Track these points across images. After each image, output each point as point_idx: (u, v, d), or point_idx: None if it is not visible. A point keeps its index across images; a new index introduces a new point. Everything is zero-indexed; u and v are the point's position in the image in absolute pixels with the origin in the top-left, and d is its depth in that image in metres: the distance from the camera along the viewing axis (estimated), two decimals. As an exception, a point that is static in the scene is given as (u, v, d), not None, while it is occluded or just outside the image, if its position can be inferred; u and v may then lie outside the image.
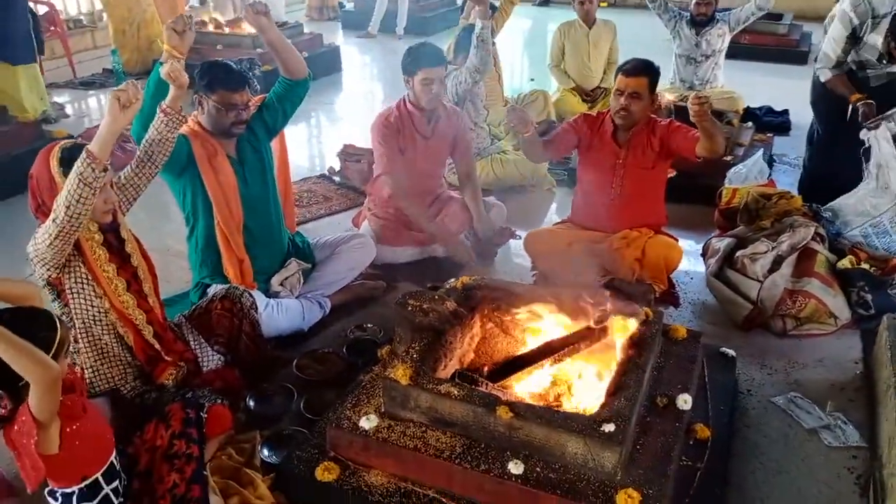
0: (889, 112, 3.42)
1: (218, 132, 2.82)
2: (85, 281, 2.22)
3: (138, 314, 2.33)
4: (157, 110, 2.39)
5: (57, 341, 1.76)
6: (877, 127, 3.41)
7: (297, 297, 3.05)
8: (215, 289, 2.79)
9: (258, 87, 5.12)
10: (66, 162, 2.12)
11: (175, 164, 2.70)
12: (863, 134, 3.49)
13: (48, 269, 2.15)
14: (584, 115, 3.37)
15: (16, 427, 1.75)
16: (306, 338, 3.00)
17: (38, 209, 2.21)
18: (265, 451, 2.33)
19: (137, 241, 2.43)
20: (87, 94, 6.72)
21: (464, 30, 4.35)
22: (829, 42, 3.69)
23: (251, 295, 2.72)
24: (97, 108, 6.47)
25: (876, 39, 3.46)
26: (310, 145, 5.74)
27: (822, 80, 3.79)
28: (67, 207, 2.03)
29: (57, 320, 1.80)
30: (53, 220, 2.06)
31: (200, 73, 2.78)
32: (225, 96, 2.74)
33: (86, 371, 2.28)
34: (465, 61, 4.08)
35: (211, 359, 2.57)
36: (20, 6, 5.23)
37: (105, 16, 7.27)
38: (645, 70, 3.05)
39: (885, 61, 3.55)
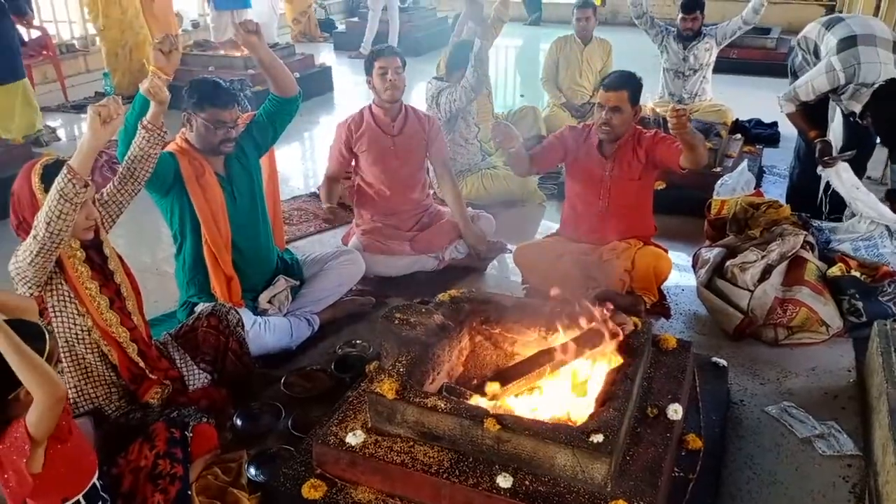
0: (845, 154, 3.47)
1: (206, 150, 2.80)
2: (67, 299, 2.20)
3: (122, 332, 2.30)
4: (139, 126, 2.38)
5: (46, 353, 1.73)
6: (832, 165, 3.44)
7: (285, 315, 3.03)
8: (202, 307, 2.76)
9: (248, 106, 5.21)
10: (48, 178, 2.10)
11: (162, 183, 2.69)
12: (819, 170, 3.52)
13: (30, 288, 2.13)
14: (570, 127, 3.37)
15: (6, 443, 1.72)
16: (294, 355, 2.97)
17: (19, 226, 2.19)
18: (251, 470, 2.29)
19: (121, 258, 2.41)
20: (79, 118, 6.71)
21: (455, 46, 4.38)
22: (805, 86, 3.59)
23: (237, 312, 2.70)
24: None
25: (854, 106, 3.43)
26: (301, 164, 5.74)
27: (784, 112, 3.81)
28: (48, 224, 2.01)
29: (46, 332, 1.78)
30: (34, 237, 2.04)
31: (189, 90, 2.77)
32: (214, 113, 2.73)
33: (69, 391, 2.25)
34: (459, 78, 4.11)
35: (197, 377, 2.54)
36: (4, 27, 5.32)
37: (98, 40, 7.31)
38: (624, 83, 3.05)
39: (852, 119, 3.55)
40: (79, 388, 2.26)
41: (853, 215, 3.54)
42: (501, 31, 4.88)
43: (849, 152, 3.49)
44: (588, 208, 3.30)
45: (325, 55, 9.08)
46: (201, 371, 2.55)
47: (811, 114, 3.73)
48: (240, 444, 2.41)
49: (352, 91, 7.81)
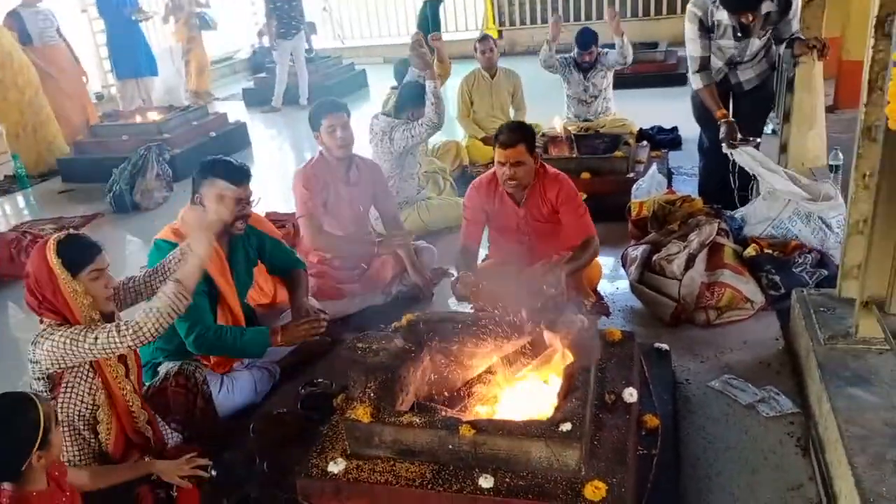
0: (750, 140, 3.76)
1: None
2: (85, 372, 2.21)
3: (135, 399, 2.33)
4: (173, 283, 2.28)
5: (41, 421, 1.77)
6: (736, 147, 3.73)
7: (245, 366, 3.05)
8: (167, 366, 2.76)
9: (170, 172, 5.22)
10: (64, 254, 2.15)
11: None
12: (724, 149, 3.80)
13: (58, 367, 2.15)
14: (474, 188, 3.40)
15: None
16: (258, 403, 2.99)
17: (41, 306, 2.18)
18: (235, 517, 2.32)
19: None
20: (-8, 203, 6.54)
21: (406, 86, 4.59)
22: (688, 44, 3.95)
23: (203, 370, 2.72)
24: (1, 214, 6.29)
25: (722, 15, 3.76)
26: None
27: (694, 87, 4.05)
28: (153, 331, 2.17)
29: (35, 400, 1.80)
30: (123, 334, 2.13)
31: (202, 170, 2.81)
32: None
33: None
34: (412, 116, 4.29)
35: (170, 437, 2.55)
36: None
37: (-1, 123, 7.15)
38: (518, 138, 3.10)
39: (740, 35, 3.81)
40: (71, 461, 2.24)
41: (759, 194, 3.84)
42: (448, 73, 5.17)
43: (753, 139, 3.80)
44: (511, 245, 3.42)
45: (237, 112, 9.10)
46: (173, 430, 2.55)
47: (718, 95, 4.00)
48: (220, 495, 2.42)
49: (268, 144, 7.89)
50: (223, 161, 2.86)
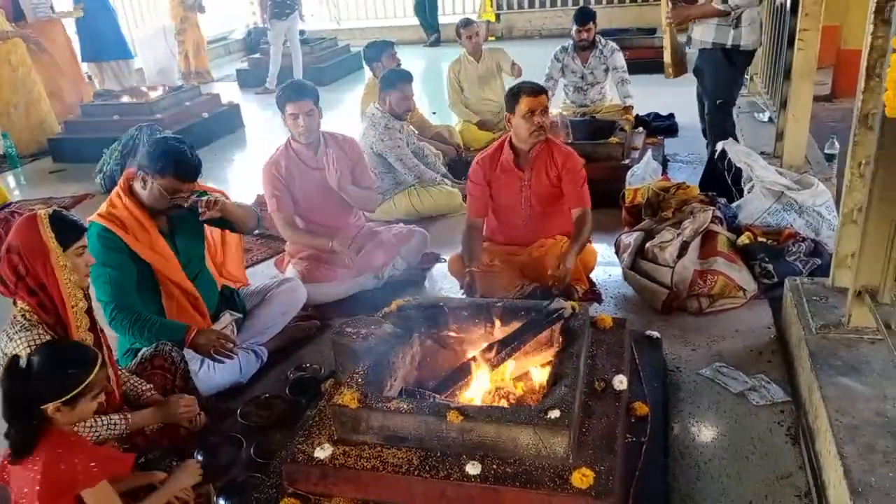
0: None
1: (150, 208, 2.76)
2: None
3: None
4: (120, 416, 2.33)
5: (85, 384, 1.89)
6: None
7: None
8: (145, 351, 2.74)
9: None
10: (54, 226, 2.15)
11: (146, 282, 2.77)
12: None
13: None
14: (477, 162, 3.45)
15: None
16: (246, 387, 2.97)
17: (18, 284, 2.14)
18: (221, 502, 2.30)
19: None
20: (-19, 181, 6.46)
21: (391, 72, 4.61)
22: None
23: (180, 349, 2.70)
24: (-7, 193, 6.22)
25: None
26: (222, 203, 5.70)
27: None
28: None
29: (97, 362, 1.94)
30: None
31: (154, 153, 2.68)
32: (174, 184, 2.69)
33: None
34: (391, 99, 4.41)
35: (151, 420, 2.52)
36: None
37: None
38: (543, 87, 3.27)
39: None
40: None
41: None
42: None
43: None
44: (512, 217, 3.46)
45: (231, 93, 9.02)
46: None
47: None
48: (205, 478, 2.39)
49: (262, 126, 7.81)
50: (179, 152, 2.71)
